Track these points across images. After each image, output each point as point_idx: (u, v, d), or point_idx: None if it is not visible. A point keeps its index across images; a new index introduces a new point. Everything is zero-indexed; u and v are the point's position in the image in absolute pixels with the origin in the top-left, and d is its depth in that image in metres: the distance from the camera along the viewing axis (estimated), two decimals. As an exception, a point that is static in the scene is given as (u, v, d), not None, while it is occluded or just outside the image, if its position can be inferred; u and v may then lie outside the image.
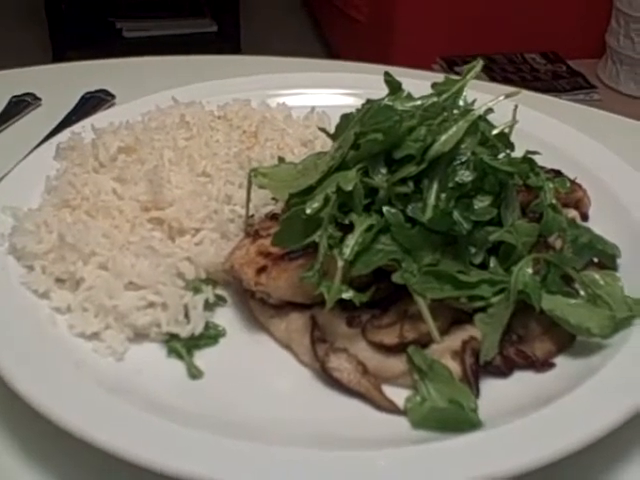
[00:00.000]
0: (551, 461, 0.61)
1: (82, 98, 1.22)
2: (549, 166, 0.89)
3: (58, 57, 3.53)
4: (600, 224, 0.86)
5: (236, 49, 3.70)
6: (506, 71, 3.00)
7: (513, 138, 0.83)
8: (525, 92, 1.04)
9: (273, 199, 0.88)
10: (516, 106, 0.86)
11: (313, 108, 1.06)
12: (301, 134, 1.00)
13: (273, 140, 0.97)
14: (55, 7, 3.63)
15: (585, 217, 0.88)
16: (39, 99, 1.24)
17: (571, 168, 0.91)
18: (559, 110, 1.22)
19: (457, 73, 3.19)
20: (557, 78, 2.99)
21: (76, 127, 0.99)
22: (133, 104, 1.06)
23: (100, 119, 1.00)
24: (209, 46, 3.69)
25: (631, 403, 0.65)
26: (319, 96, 1.11)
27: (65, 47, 3.58)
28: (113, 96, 1.23)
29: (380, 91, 0.83)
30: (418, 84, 0.86)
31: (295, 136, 0.99)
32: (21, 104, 1.23)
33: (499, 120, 0.81)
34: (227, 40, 3.74)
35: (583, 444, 0.63)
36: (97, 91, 1.24)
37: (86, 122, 1.00)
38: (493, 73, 2.94)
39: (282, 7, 4.27)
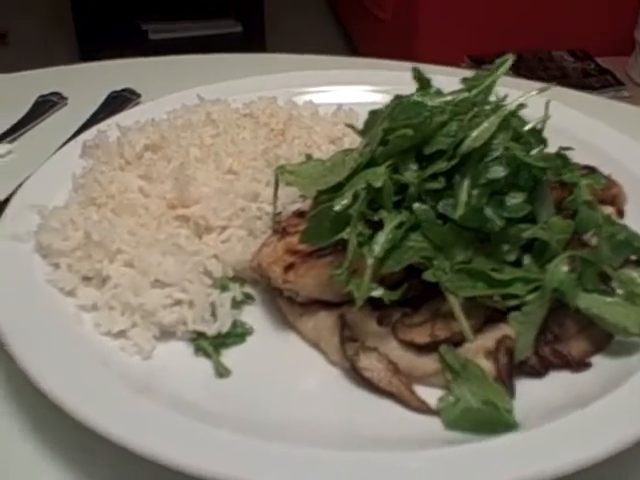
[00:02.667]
0: (589, 464, 0.59)
1: (108, 97, 1.22)
2: (583, 162, 0.87)
3: (85, 59, 3.55)
4: (637, 220, 0.84)
5: (261, 49, 3.70)
6: (534, 69, 2.96)
7: (546, 134, 0.81)
8: (556, 88, 1.03)
9: (301, 196, 0.86)
10: (548, 101, 0.83)
11: (340, 105, 1.04)
12: (329, 131, 0.98)
13: (300, 138, 0.96)
14: (82, 10, 3.66)
15: (621, 214, 0.86)
16: (65, 98, 1.24)
17: (606, 164, 0.89)
18: (590, 105, 1.20)
19: (489, 70, 3.16)
20: (586, 76, 2.95)
21: (102, 125, 0.99)
22: (159, 102, 1.05)
23: (126, 117, 1.00)
24: (234, 47, 3.69)
25: (671, 403, 0.63)
26: (346, 93, 1.10)
27: (92, 49, 3.60)
28: (139, 95, 1.23)
29: (408, 87, 0.81)
30: (447, 80, 0.84)
31: (323, 133, 0.98)
32: (47, 103, 1.23)
33: (531, 116, 0.79)
34: (252, 40, 3.74)
35: (621, 446, 0.61)
36: (123, 90, 1.24)
37: (112, 120, 0.99)
38: (521, 71, 2.91)
39: (307, 7, 4.26)
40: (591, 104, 1.25)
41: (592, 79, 2.91)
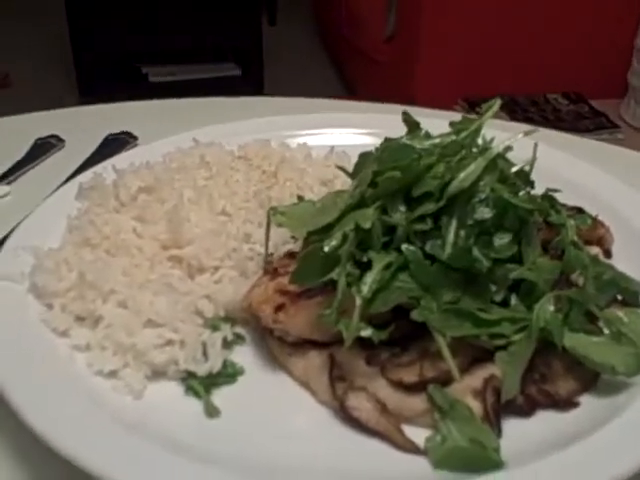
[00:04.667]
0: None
1: (105, 140, 1.24)
2: (570, 203, 0.89)
3: (85, 101, 3.60)
4: (623, 261, 0.85)
5: (259, 91, 3.75)
6: (528, 112, 3.00)
7: (533, 176, 0.83)
8: (544, 130, 1.05)
9: (292, 237, 0.88)
10: (536, 144, 0.85)
11: (332, 148, 1.06)
12: (321, 173, 1.00)
13: (292, 180, 0.97)
14: (82, 53, 3.71)
15: (608, 254, 0.87)
16: (63, 141, 1.26)
17: (593, 205, 0.91)
18: (578, 147, 1.22)
19: (479, 114, 3.19)
20: (580, 118, 2.99)
21: (98, 168, 1.00)
22: (154, 145, 1.07)
23: (122, 160, 1.01)
24: (233, 89, 3.75)
25: (658, 443, 0.64)
26: (339, 136, 1.12)
27: (92, 92, 3.66)
28: (136, 138, 1.24)
29: (399, 130, 0.83)
30: (438, 124, 0.86)
31: (315, 175, 0.99)
32: (45, 146, 1.24)
33: (519, 158, 0.81)
34: (251, 83, 3.79)
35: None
36: (120, 133, 1.26)
37: (108, 163, 1.01)
38: (515, 114, 2.94)
39: (304, 50, 4.32)
40: (581, 146, 1.27)
41: (586, 121, 2.95)
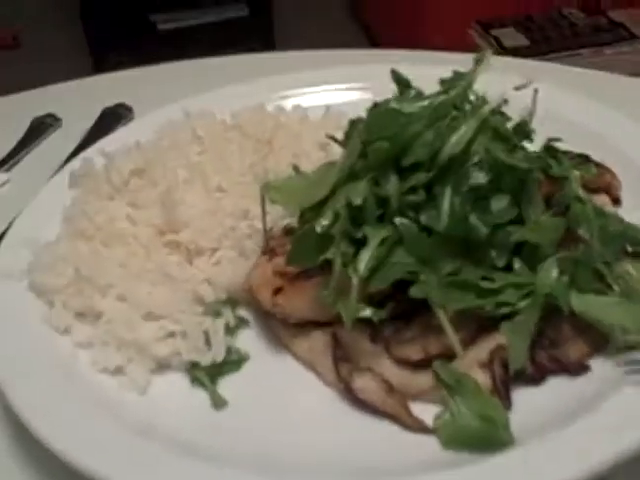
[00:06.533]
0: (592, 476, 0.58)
1: (101, 115, 1.22)
2: (573, 147, 0.84)
3: (97, 59, 3.57)
4: (635, 208, 0.81)
5: (269, 32, 3.68)
6: (545, 29, 2.89)
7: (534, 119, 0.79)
8: (546, 64, 1.00)
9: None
10: (536, 91, 0.81)
11: (329, 107, 1.03)
12: (318, 137, 0.96)
13: (288, 147, 0.94)
14: (89, 5, 3.66)
15: (617, 201, 0.84)
16: (59, 119, 1.24)
17: (598, 147, 0.86)
18: (581, 80, 1.17)
19: (494, 36, 3.07)
20: (598, 31, 2.88)
21: (88, 152, 0.98)
22: (144, 120, 1.05)
23: (113, 140, 0.99)
24: (242, 33, 3.68)
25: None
26: (335, 93, 1.08)
27: (100, 44, 3.61)
28: (131, 109, 1.22)
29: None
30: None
31: (311, 140, 0.96)
32: (42, 126, 1.23)
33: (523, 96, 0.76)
34: (259, 24, 3.71)
35: (628, 456, 0.59)
36: (116, 106, 1.23)
37: (97, 146, 0.99)
38: (532, 33, 2.84)
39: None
40: (581, 78, 1.21)
41: (605, 34, 2.84)
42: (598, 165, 0.83)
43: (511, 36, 2.88)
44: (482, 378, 0.67)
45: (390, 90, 0.78)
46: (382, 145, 0.70)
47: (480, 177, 0.69)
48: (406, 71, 0.78)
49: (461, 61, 0.81)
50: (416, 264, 0.69)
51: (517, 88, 0.75)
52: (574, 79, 1.10)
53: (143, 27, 3.84)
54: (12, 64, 3.57)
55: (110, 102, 1.24)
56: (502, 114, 0.76)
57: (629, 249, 0.76)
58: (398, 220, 0.69)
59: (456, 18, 2.90)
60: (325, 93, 1.08)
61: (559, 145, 0.81)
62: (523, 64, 1.14)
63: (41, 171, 1.08)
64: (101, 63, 3.53)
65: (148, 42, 3.63)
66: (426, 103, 0.74)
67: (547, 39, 2.82)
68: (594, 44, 2.78)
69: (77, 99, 1.31)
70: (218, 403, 0.71)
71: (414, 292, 0.67)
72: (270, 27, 3.74)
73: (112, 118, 1.20)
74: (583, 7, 2.99)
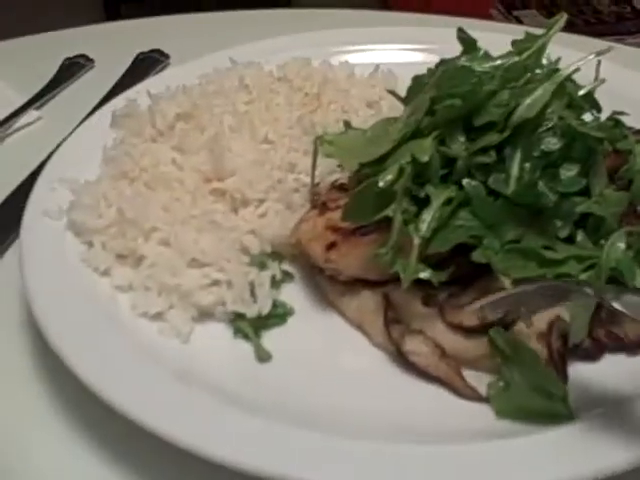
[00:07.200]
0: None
1: (135, 59, 1.19)
2: (636, 125, 0.82)
3: (109, 11, 3.51)
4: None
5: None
6: (569, 14, 2.86)
7: (597, 96, 0.76)
8: (606, 43, 0.98)
9: (339, 166, 0.83)
10: (599, 62, 0.79)
11: (377, 66, 1.00)
12: (366, 94, 0.94)
13: (337, 102, 0.92)
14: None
15: (676, 181, 0.81)
16: (92, 60, 1.21)
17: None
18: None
19: (515, 17, 3.04)
20: (622, 20, 2.85)
21: (131, 92, 0.95)
22: (189, 66, 1.02)
23: (156, 83, 0.96)
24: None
25: None
26: (383, 53, 1.05)
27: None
28: (167, 56, 1.19)
29: (449, 46, 0.77)
30: (493, 38, 0.79)
31: (360, 97, 0.94)
32: (74, 66, 1.20)
33: (578, 76, 0.74)
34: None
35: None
36: (151, 51, 1.20)
37: (141, 87, 0.96)
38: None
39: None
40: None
41: (628, 23, 2.81)
42: (661, 142, 0.80)
43: (533, 18, 2.85)
44: (539, 349, 0.65)
45: (439, 52, 0.77)
46: (454, 102, 0.67)
47: (552, 143, 0.67)
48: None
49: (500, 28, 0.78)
50: (480, 228, 0.66)
51: (598, 53, 0.72)
52: (628, 57, 1.08)
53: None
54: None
55: (144, 48, 1.21)
56: (574, 83, 0.73)
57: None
58: (466, 181, 0.66)
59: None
60: (373, 52, 1.05)
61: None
62: (578, 40, 1.11)
63: (74, 110, 1.05)
64: (113, 14, 3.47)
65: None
66: (497, 63, 0.72)
67: (571, 25, 2.79)
68: (617, 32, 2.75)
69: (109, 42, 1.28)
70: (262, 356, 0.69)
71: (476, 257, 0.65)
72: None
73: (147, 63, 1.17)
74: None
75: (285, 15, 1.38)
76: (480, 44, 0.76)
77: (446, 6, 2.90)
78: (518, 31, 0.77)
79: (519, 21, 2.86)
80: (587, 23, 2.84)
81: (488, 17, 2.85)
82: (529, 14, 2.91)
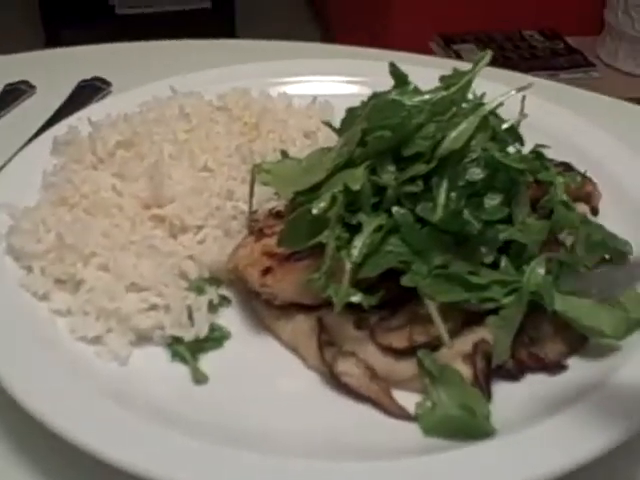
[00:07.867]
0: (568, 471, 0.60)
1: (77, 86, 1.20)
2: (557, 158, 0.87)
3: (49, 36, 3.49)
4: (610, 218, 0.84)
5: (230, 26, 3.66)
6: (504, 49, 2.96)
7: (520, 129, 0.81)
8: (530, 78, 1.03)
9: (276, 194, 0.85)
10: (524, 97, 0.83)
11: (315, 97, 1.03)
12: (303, 125, 0.97)
13: (275, 132, 0.95)
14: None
15: (595, 211, 0.86)
16: (33, 87, 1.22)
17: (580, 160, 0.89)
18: (563, 96, 1.20)
19: (454, 51, 3.12)
20: (555, 56, 2.96)
21: (73, 119, 0.96)
22: (130, 94, 1.03)
23: (97, 110, 0.98)
24: (203, 23, 3.66)
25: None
26: (321, 84, 1.08)
27: (56, 25, 3.54)
28: (109, 84, 1.20)
29: (385, 79, 0.80)
30: (424, 73, 0.83)
31: (297, 127, 0.96)
32: (15, 92, 1.20)
33: (504, 109, 0.79)
34: (221, 17, 3.69)
35: (602, 451, 0.61)
36: (92, 79, 1.22)
37: (82, 114, 0.97)
38: (492, 52, 2.90)
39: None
40: (563, 94, 1.25)
41: (562, 59, 2.92)
42: (582, 175, 0.85)
43: (471, 52, 2.93)
44: (464, 370, 0.69)
45: (373, 85, 0.81)
46: (384, 134, 0.71)
47: (476, 173, 0.71)
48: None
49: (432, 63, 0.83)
50: (408, 254, 0.70)
51: (519, 89, 0.76)
52: (554, 93, 1.13)
53: (100, 8, 3.77)
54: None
55: (86, 75, 1.22)
56: (497, 116, 0.77)
57: (607, 257, 0.79)
58: (395, 209, 0.70)
59: (419, 30, 2.94)
60: (309, 84, 1.09)
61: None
62: (505, 75, 1.16)
63: (15, 137, 1.06)
64: (53, 40, 3.46)
65: (104, 24, 3.57)
66: (426, 97, 0.76)
67: (506, 59, 2.88)
68: (550, 68, 2.85)
69: (52, 68, 1.28)
70: (199, 378, 0.71)
71: (405, 281, 0.68)
72: (232, 21, 3.73)
73: (89, 90, 1.18)
74: (542, 30, 3.07)
75: (227, 45, 1.40)
76: (412, 78, 0.79)
77: (390, 41, 2.99)
78: (449, 65, 0.81)
79: (458, 55, 2.94)
80: (522, 58, 2.94)
81: (428, 51, 2.94)
82: (467, 48, 3.00)
